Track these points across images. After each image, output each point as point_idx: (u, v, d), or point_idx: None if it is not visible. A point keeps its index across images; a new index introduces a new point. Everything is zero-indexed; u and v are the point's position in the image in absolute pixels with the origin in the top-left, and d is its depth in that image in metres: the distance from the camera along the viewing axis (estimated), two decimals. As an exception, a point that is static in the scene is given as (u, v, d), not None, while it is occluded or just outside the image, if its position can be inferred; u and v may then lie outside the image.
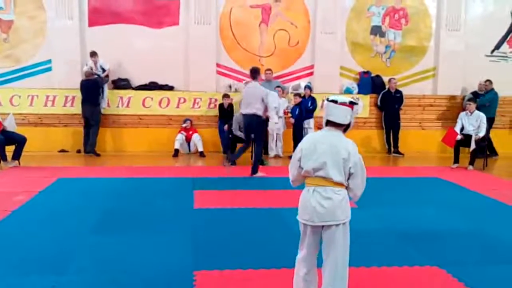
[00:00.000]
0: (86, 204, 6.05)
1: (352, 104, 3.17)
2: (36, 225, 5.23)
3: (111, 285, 3.69)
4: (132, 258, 4.24)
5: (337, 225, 3.11)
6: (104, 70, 10.19)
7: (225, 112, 10.32)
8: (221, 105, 10.42)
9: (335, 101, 3.17)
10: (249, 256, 4.31)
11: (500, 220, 5.72)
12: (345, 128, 3.23)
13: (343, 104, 3.15)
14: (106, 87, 10.15)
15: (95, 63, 10.17)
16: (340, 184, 3.12)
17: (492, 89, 10.76)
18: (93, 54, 10.18)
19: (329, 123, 3.21)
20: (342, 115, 3.15)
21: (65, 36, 10.26)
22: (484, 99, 10.70)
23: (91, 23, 10.50)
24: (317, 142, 3.19)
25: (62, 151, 10.10)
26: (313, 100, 10.21)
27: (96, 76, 9.89)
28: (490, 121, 10.14)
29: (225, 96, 10.46)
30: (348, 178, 3.14)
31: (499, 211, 6.18)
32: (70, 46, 10.30)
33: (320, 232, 3.17)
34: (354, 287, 3.45)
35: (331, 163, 3.10)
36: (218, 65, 10.88)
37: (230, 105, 10.39)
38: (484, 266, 4.20)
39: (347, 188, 3.16)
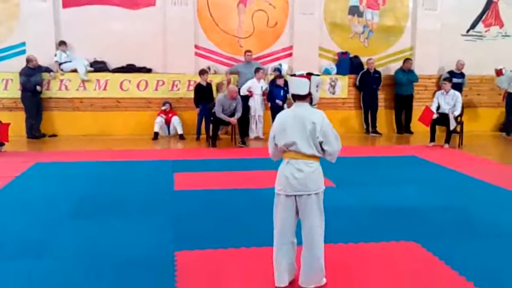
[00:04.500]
0: (65, 188, 6.01)
1: (309, 75, 3.29)
2: (13, 210, 5.19)
3: (90, 268, 3.70)
4: (112, 241, 4.25)
5: (308, 194, 3.24)
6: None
7: (205, 92, 9.94)
8: (199, 85, 10.05)
9: (294, 75, 3.36)
10: (230, 236, 4.37)
11: (475, 196, 5.87)
12: (310, 100, 3.33)
13: (300, 76, 3.31)
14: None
15: (64, 52, 10.09)
16: (312, 157, 3.25)
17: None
18: (61, 44, 10.10)
19: (294, 97, 3.36)
20: (299, 86, 3.29)
21: (38, 18, 10.00)
22: (414, 76, 11.05)
23: (65, 5, 10.26)
24: (286, 118, 3.33)
25: (53, 135, 10.05)
26: (286, 82, 10.23)
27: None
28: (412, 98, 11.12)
29: (203, 72, 10.04)
30: (322, 147, 3.25)
31: (474, 187, 6.33)
32: (44, 28, 10.06)
33: (293, 203, 3.29)
34: (332, 264, 3.53)
35: (300, 138, 3.24)
36: (196, 46, 10.78)
37: (209, 84, 10.17)
38: (458, 240, 4.33)
39: (324, 152, 3.28)
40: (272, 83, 10.14)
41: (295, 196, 3.26)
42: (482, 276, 3.58)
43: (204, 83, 10.06)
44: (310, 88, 3.27)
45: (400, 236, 4.38)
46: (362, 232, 4.50)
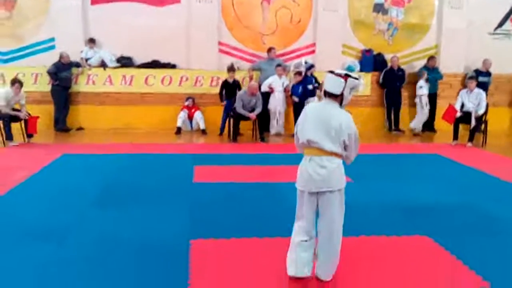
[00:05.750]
0: (89, 179, 6.20)
1: (347, 76, 3.27)
2: (39, 198, 5.38)
3: (107, 254, 3.86)
4: (130, 229, 4.40)
5: (331, 191, 3.27)
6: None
7: (231, 88, 10.01)
8: (225, 82, 10.21)
9: (332, 72, 3.32)
10: (245, 226, 4.47)
11: (494, 195, 5.81)
12: (340, 101, 3.32)
13: (338, 75, 3.28)
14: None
15: (91, 49, 10.43)
16: (335, 154, 3.27)
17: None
18: (90, 41, 10.44)
19: (326, 93, 3.34)
20: (335, 85, 3.27)
21: (68, 14, 10.30)
22: (438, 74, 10.94)
23: (94, 1, 10.54)
24: (312, 114, 3.33)
25: (80, 128, 10.40)
26: (315, 79, 10.24)
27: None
28: (436, 96, 11.01)
29: (231, 69, 10.21)
30: (344, 148, 3.29)
31: (494, 186, 6.26)
32: (73, 24, 10.37)
33: (315, 199, 3.32)
34: (342, 255, 3.57)
35: (324, 135, 3.24)
36: (220, 43, 10.91)
37: (236, 81, 10.26)
38: (472, 237, 4.32)
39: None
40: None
41: (317, 192, 3.29)
42: (492, 270, 3.59)
43: (230, 80, 10.18)
44: (343, 89, 3.27)
45: (413, 230, 4.40)
46: (376, 226, 4.53)
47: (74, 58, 10.28)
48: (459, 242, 4.14)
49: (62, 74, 10.03)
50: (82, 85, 10.44)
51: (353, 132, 3.28)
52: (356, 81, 3.31)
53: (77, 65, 10.34)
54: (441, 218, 4.83)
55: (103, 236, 4.22)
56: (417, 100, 10.71)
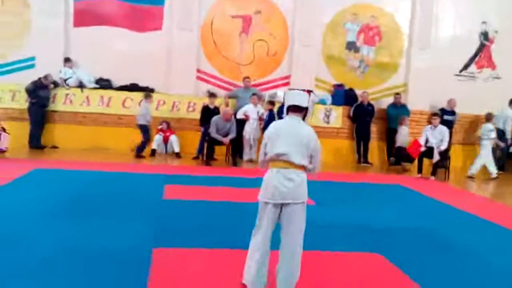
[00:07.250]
0: (58, 192, 6.29)
1: (309, 91, 3.59)
2: (4, 208, 5.42)
3: (67, 260, 3.95)
4: (93, 239, 4.51)
5: (296, 203, 3.44)
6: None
7: (211, 114, 10.07)
8: (206, 107, 10.40)
9: (293, 89, 3.60)
10: (207, 238, 4.65)
11: (449, 221, 6.14)
12: (304, 115, 3.59)
13: (301, 90, 3.64)
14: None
15: (70, 68, 10.64)
16: (301, 167, 3.48)
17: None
18: (67, 60, 10.67)
19: (290, 109, 3.58)
20: (301, 99, 3.57)
21: (49, 35, 10.56)
22: (405, 111, 11.39)
23: (76, 24, 10.83)
24: (280, 129, 3.55)
25: (54, 147, 10.45)
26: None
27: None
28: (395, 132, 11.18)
29: (212, 95, 10.50)
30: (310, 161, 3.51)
31: (450, 214, 6.59)
32: (54, 44, 10.61)
33: (278, 211, 3.45)
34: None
35: (294, 149, 3.44)
36: (198, 70, 11.26)
37: (216, 108, 10.43)
38: (422, 256, 4.57)
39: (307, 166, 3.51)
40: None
41: (282, 204, 3.44)
42: (436, 285, 3.84)
43: (211, 106, 10.44)
44: (308, 102, 3.55)
45: (366, 248, 4.65)
46: (331, 243, 4.76)
47: (54, 77, 10.46)
48: (409, 260, 4.39)
49: (40, 92, 10.18)
50: (59, 104, 10.60)
51: (318, 143, 3.54)
52: (315, 95, 3.65)
53: (56, 84, 10.52)
54: (393, 239, 5.10)
55: (65, 244, 4.30)
56: (483, 143, 10.15)
